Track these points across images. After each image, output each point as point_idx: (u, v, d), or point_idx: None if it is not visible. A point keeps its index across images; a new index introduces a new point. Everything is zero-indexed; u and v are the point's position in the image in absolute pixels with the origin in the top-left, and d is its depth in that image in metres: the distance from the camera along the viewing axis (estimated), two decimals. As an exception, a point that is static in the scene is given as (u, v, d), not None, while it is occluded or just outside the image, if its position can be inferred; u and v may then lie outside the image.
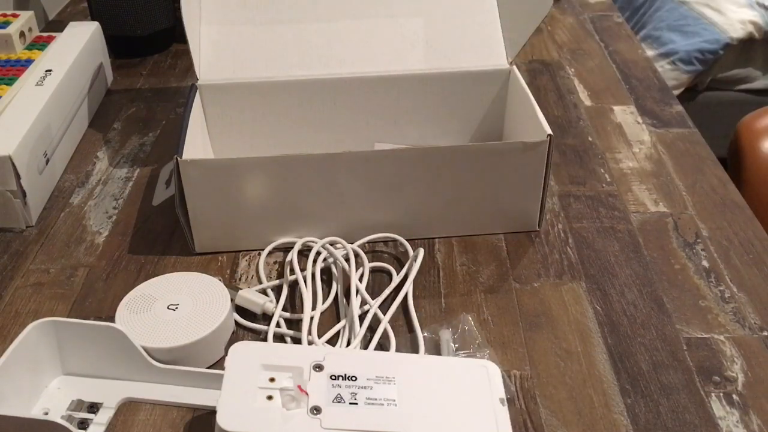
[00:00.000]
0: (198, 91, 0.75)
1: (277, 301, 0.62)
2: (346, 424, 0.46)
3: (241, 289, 0.62)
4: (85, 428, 0.51)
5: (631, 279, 0.65)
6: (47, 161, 0.75)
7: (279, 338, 0.59)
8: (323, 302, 0.61)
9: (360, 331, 0.58)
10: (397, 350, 0.57)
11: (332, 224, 0.67)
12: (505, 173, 0.66)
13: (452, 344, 0.57)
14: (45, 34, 0.92)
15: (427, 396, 0.49)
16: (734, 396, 0.54)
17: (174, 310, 0.58)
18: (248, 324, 0.60)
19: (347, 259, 0.65)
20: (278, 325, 0.60)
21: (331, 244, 0.67)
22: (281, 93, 0.77)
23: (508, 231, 0.70)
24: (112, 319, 0.57)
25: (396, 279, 0.63)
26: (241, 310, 0.61)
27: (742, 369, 0.56)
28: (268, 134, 0.79)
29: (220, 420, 0.46)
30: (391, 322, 0.60)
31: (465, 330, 0.58)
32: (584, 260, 0.67)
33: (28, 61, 0.85)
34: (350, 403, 0.47)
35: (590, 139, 0.85)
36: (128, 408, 0.54)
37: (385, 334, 0.58)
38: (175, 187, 0.64)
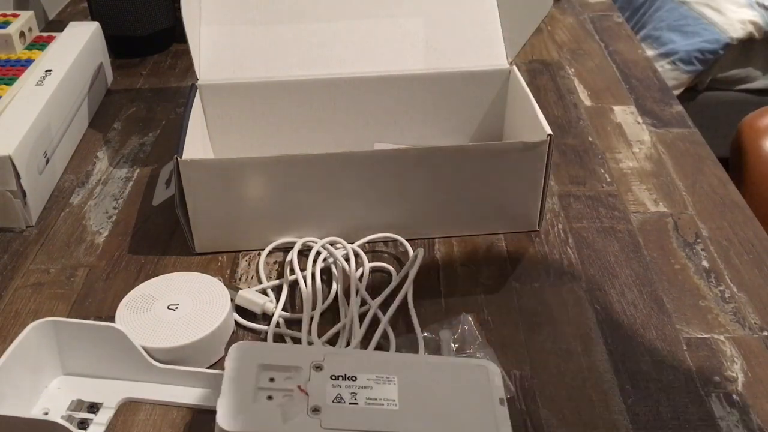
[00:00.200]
0: (198, 91, 0.75)
1: (277, 301, 0.62)
2: (346, 424, 0.46)
3: (241, 289, 0.62)
4: (85, 428, 0.51)
5: (631, 279, 0.65)
6: (47, 161, 0.75)
7: (279, 338, 0.59)
8: (323, 302, 0.61)
9: (360, 332, 0.58)
10: (397, 350, 0.57)
11: (332, 224, 0.67)
12: (505, 173, 0.66)
13: (452, 344, 0.57)
14: (45, 34, 0.92)
15: (427, 396, 0.49)
16: (734, 396, 0.54)
17: (174, 310, 0.58)
18: (248, 324, 0.60)
19: (347, 259, 0.65)
20: (278, 325, 0.60)
21: (331, 244, 0.67)
22: (281, 93, 0.77)
23: (508, 231, 0.70)
24: (112, 319, 0.57)
25: (396, 279, 0.63)
26: (241, 310, 0.61)
27: (742, 369, 0.56)
28: (268, 134, 0.79)
29: (220, 420, 0.46)
30: (391, 322, 0.60)
31: (465, 330, 0.58)
32: (584, 260, 0.67)
33: (28, 61, 0.85)
34: (350, 403, 0.47)
35: (590, 139, 0.85)
36: (128, 408, 0.54)
37: (384, 334, 0.58)
38: (175, 187, 0.64)
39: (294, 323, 0.61)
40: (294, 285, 0.64)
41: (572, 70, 1.01)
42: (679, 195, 0.75)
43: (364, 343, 0.58)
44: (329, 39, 0.77)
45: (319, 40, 0.77)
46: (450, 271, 0.66)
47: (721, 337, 0.59)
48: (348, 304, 0.61)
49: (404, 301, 0.61)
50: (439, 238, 0.69)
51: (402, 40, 0.78)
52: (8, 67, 0.83)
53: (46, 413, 0.52)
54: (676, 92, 1.89)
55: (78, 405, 0.53)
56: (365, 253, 0.68)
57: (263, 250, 0.68)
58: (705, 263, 0.67)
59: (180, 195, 0.64)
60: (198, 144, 0.72)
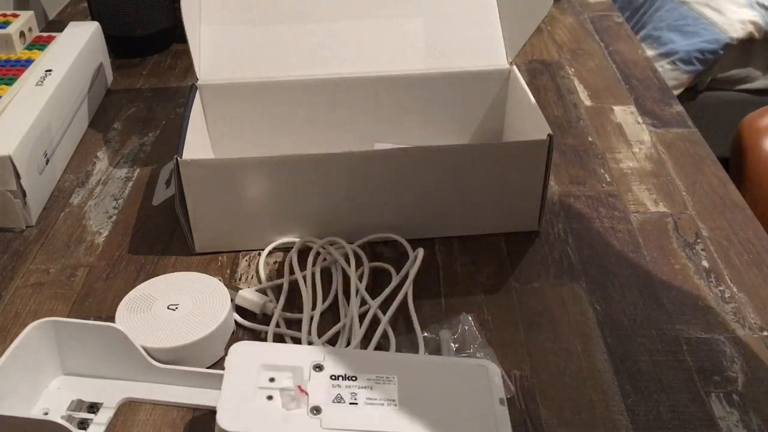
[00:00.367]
0: (198, 91, 0.75)
1: (277, 301, 0.62)
2: (346, 424, 0.46)
3: (241, 289, 0.62)
4: (85, 428, 0.51)
5: (631, 279, 0.65)
6: (47, 161, 0.75)
7: (279, 338, 0.59)
8: (323, 302, 0.61)
9: (360, 331, 0.58)
10: (397, 350, 0.57)
11: (332, 224, 0.67)
12: (505, 173, 0.66)
13: (452, 344, 0.57)
14: (45, 34, 0.92)
15: (427, 396, 0.49)
16: (734, 396, 0.54)
17: (174, 310, 0.58)
18: (248, 324, 0.60)
19: (347, 259, 0.65)
20: (278, 325, 0.60)
21: (331, 244, 0.67)
22: (281, 93, 0.77)
23: (508, 231, 0.70)
24: (112, 319, 0.57)
25: (396, 279, 0.63)
26: (241, 310, 0.61)
27: (742, 369, 0.56)
28: (268, 134, 0.79)
29: (220, 420, 0.46)
30: (391, 322, 0.60)
31: (465, 330, 0.58)
32: (584, 260, 0.67)
33: (28, 61, 0.85)
34: (350, 403, 0.47)
35: (590, 139, 0.85)
36: (128, 408, 0.54)
37: (384, 334, 0.58)
38: (175, 187, 0.64)
39: (294, 323, 0.61)
40: (294, 285, 0.64)
41: (572, 70, 1.01)
42: (679, 195, 0.75)
43: (364, 343, 0.58)
44: (329, 39, 0.77)
45: (319, 40, 0.77)
46: (450, 271, 0.66)
47: (721, 337, 0.59)
48: (348, 304, 0.61)
49: (404, 301, 0.61)
50: (439, 238, 0.69)
51: (402, 40, 0.78)
52: (8, 67, 0.83)
53: (46, 413, 0.52)
54: (676, 92, 1.89)
55: (78, 405, 0.53)
56: (365, 253, 0.68)
57: (263, 250, 0.68)
58: (705, 263, 0.67)
59: (180, 195, 0.64)
60: (198, 144, 0.72)
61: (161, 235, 0.70)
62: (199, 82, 0.75)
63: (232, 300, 0.61)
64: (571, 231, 0.70)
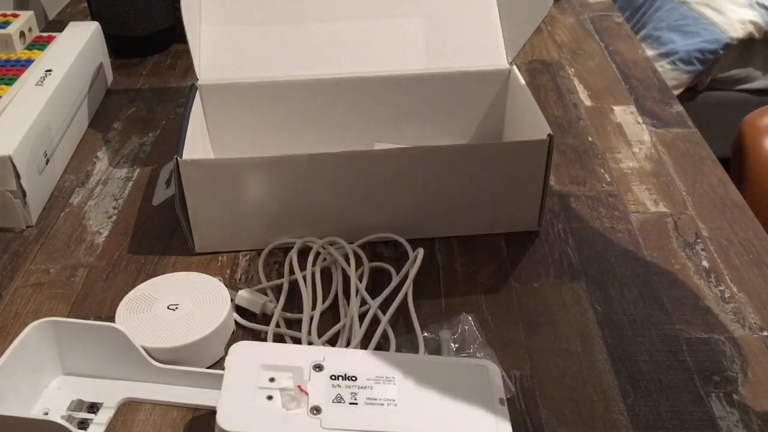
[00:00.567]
0: (198, 91, 0.75)
1: (277, 301, 0.62)
2: (346, 424, 0.46)
3: (241, 289, 0.62)
4: (85, 428, 0.51)
5: (631, 279, 0.65)
6: (47, 161, 0.75)
7: (279, 338, 0.59)
8: (323, 302, 0.61)
9: (360, 331, 0.58)
10: (397, 350, 0.57)
11: (332, 224, 0.67)
12: (505, 173, 0.66)
13: (452, 344, 0.57)
14: (45, 34, 0.92)
15: (427, 396, 0.49)
16: (734, 396, 0.54)
17: (174, 310, 0.58)
18: (248, 324, 0.60)
19: (347, 259, 0.65)
20: (278, 325, 0.60)
21: (331, 244, 0.67)
22: (281, 93, 0.77)
23: (508, 231, 0.70)
24: (112, 319, 0.57)
25: (396, 279, 0.63)
26: (241, 310, 0.61)
27: (742, 369, 0.56)
28: (268, 134, 0.79)
29: (220, 420, 0.46)
30: (391, 322, 0.60)
31: (465, 330, 0.58)
32: (584, 260, 0.67)
33: (28, 61, 0.85)
34: (350, 403, 0.47)
35: (590, 139, 0.85)
36: (128, 408, 0.54)
37: (384, 334, 0.58)
38: (175, 187, 0.64)
39: (294, 323, 0.61)
40: (294, 285, 0.64)
41: (572, 70, 1.01)
42: (679, 195, 0.75)
43: (364, 343, 0.58)
44: (329, 39, 0.77)
45: (319, 40, 0.77)
46: (450, 271, 0.66)
47: (721, 337, 0.59)
48: (348, 304, 0.61)
49: (404, 301, 0.61)
50: (439, 238, 0.69)
51: (402, 40, 0.78)
52: (8, 67, 0.83)
53: (46, 413, 0.52)
54: (676, 92, 1.89)
55: (78, 405, 0.53)
56: (365, 253, 0.68)
57: (263, 250, 0.68)
58: (705, 263, 0.67)
59: (180, 195, 0.64)
60: (198, 144, 0.72)
61: (161, 235, 0.70)
62: (199, 82, 0.75)
63: (232, 300, 0.61)
64: (571, 231, 0.70)
